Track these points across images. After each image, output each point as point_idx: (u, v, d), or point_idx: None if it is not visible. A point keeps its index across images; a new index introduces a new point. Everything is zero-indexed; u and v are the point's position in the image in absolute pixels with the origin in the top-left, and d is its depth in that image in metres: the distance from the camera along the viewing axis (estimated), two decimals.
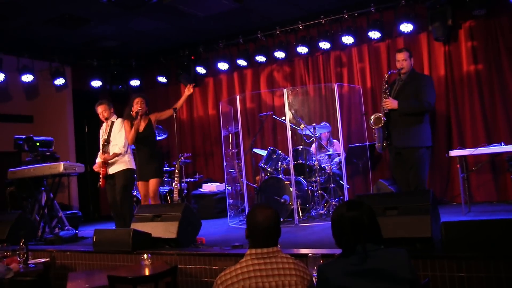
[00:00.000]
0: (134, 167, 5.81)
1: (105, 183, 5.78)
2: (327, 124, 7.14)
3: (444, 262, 3.14)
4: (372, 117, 5.02)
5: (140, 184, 5.73)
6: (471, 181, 6.56)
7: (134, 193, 7.08)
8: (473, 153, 5.67)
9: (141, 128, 5.68)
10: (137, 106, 5.62)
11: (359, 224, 2.16)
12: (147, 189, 5.70)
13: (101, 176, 5.76)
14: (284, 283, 2.16)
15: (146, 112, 5.72)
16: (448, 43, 7.02)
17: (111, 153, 5.72)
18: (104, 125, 5.97)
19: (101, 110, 5.85)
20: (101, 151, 5.84)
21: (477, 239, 3.13)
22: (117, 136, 5.75)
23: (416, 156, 4.82)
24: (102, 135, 5.90)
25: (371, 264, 2.09)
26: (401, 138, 4.88)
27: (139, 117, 5.60)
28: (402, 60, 4.97)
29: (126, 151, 5.77)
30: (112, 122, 5.84)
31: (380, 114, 4.96)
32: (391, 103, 4.90)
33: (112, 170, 5.74)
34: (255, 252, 2.25)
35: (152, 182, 5.63)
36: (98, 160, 5.90)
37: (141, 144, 5.69)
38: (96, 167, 5.87)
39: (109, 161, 5.72)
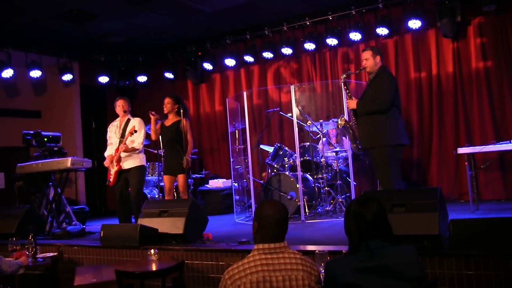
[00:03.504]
0: (146, 164, 5.99)
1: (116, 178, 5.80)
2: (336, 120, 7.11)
3: (452, 259, 3.12)
4: (338, 119, 5.23)
5: (166, 178, 5.90)
6: (479, 178, 6.52)
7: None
8: (481, 150, 5.63)
9: (169, 123, 5.90)
10: (164, 107, 5.92)
11: (361, 220, 2.15)
12: (172, 183, 5.90)
13: (114, 172, 5.75)
14: (291, 278, 2.17)
15: (174, 110, 5.88)
16: (456, 40, 6.97)
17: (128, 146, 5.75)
18: (117, 121, 6.00)
19: (122, 103, 5.93)
20: (114, 145, 5.86)
21: (486, 237, 3.12)
22: (137, 134, 5.79)
23: (381, 155, 4.74)
24: (115, 130, 5.93)
25: (379, 261, 2.08)
26: (365, 138, 4.88)
27: (152, 119, 5.82)
28: (364, 59, 4.97)
29: (141, 150, 5.89)
30: (128, 119, 5.91)
31: (343, 116, 5.15)
32: (350, 103, 4.98)
33: (127, 165, 5.78)
34: (262, 247, 2.27)
35: (181, 177, 5.78)
36: (108, 153, 5.94)
37: (168, 138, 5.87)
38: (106, 163, 5.89)
39: (123, 156, 5.75)
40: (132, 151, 5.77)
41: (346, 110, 6.29)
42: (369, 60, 4.91)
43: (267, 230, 2.29)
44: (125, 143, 5.71)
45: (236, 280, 2.19)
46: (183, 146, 5.76)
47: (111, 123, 6.09)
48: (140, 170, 5.83)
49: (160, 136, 6.00)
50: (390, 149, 4.72)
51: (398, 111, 4.86)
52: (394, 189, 4.67)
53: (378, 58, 4.91)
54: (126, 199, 5.80)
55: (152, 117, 5.85)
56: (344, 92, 6.30)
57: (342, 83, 5.16)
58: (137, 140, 5.81)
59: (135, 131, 5.70)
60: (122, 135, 5.82)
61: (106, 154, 5.99)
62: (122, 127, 5.90)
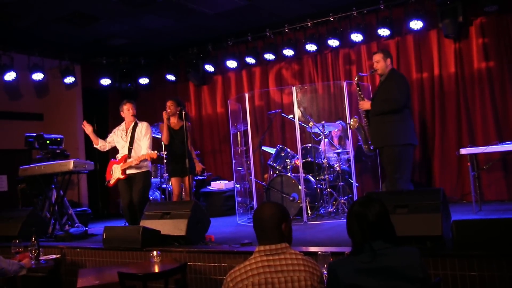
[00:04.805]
0: (151, 170, 6.02)
1: (119, 183, 5.78)
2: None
3: (455, 260, 3.12)
4: (351, 120, 5.24)
5: (174, 180, 6.02)
6: (482, 179, 6.51)
7: None
8: (484, 151, 5.61)
9: (177, 126, 6.07)
10: (167, 109, 6.03)
11: (364, 222, 2.15)
12: (180, 185, 6.02)
13: (117, 178, 5.74)
14: (293, 279, 2.16)
15: (177, 112, 6.04)
16: (458, 40, 6.96)
17: (134, 155, 5.70)
18: (122, 125, 5.95)
19: (131, 107, 5.88)
20: (121, 150, 5.85)
21: (489, 238, 3.11)
22: (143, 139, 5.78)
23: (391, 154, 4.80)
24: (121, 134, 5.88)
25: (382, 262, 2.08)
26: (377, 137, 4.95)
27: (164, 118, 5.95)
28: (375, 61, 5.06)
29: None
30: (136, 124, 5.86)
31: (356, 117, 5.17)
32: (363, 104, 5.05)
33: (133, 171, 5.72)
34: (263, 249, 2.26)
35: (187, 179, 5.87)
36: (102, 142, 5.97)
37: (176, 142, 5.99)
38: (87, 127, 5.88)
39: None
40: (142, 160, 5.65)
41: (349, 112, 6.32)
42: (380, 62, 5.01)
43: (259, 231, 2.32)
44: (138, 160, 5.61)
45: (238, 282, 2.19)
46: (188, 149, 5.84)
47: (117, 128, 6.01)
48: (145, 176, 5.77)
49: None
50: (400, 148, 4.80)
51: (409, 112, 4.99)
52: (397, 190, 4.68)
53: (388, 60, 5.03)
54: (133, 205, 5.77)
55: (164, 116, 5.94)
56: (345, 96, 6.36)
57: (356, 84, 5.24)
58: (144, 146, 5.74)
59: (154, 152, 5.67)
60: (131, 143, 5.76)
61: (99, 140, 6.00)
62: (130, 132, 5.82)
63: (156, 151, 5.68)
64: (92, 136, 5.96)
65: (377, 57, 5.03)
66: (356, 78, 5.26)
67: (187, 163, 5.63)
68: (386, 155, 4.88)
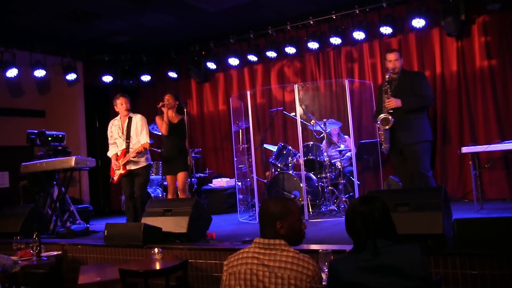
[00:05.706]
0: (151, 162, 6.00)
1: (121, 178, 5.81)
2: (334, 121, 7.12)
3: (456, 259, 3.11)
4: (380, 117, 5.03)
5: (169, 178, 5.95)
6: (484, 178, 6.49)
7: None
8: (485, 149, 5.60)
9: (176, 120, 5.95)
10: (165, 101, 5.88)
11: (370, 220, 2.15)
12: (175, 182, 5.95)
13: (120, 173, 5.77)
14: (276, 275, 2.17)
15: (175, 106, 5.96)
16: (461, 39, 6.94)
17: (133, 149, 5.70)
18: (117, 120, 5.95)
19: (125, 101, 5.85)
20: (119, 146, 5.85)
21: (490, 236, 3.10)
22: (141, 134, 5.79)
23: (418, 149, 4.93)
24: (117, 131, 5.89)
25: (384, 260, 2.08)
26: (406, 135, 4.96)
27: (164, 109, 5.83)
28: (394, 60, 5.06)
29: (147, 151, 5.84)
30: (130, 118, 5.86)
31: (386, 115, 5.00)
32: (394, 102, 4.97)
33: (133, 166, 5.76)
34: (258, 241, 2.30)
35: (180, 176, 5.82)
36: (111, 153, 5.92)
37: (173, 135, 5.89)
38: (115, 164, 5.82)
39: (132, 158, 5.72)
40: (138, 152, 5.66)
41: (351, 110, 6.30)
42: (398, 61, 5.09)
43: (260, 224, 2.36)
44: (135, 152, 5.63)
45: (229, 268, 2.30)
46: (184, 144, 5.78)
47: (112, 123, 6.01)
48: (146, 170, 5.84)
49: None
50: (427, 144, 5.00)
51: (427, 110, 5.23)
52: (398, 189, 4.73)
53: (402, 59, 5.19)
54: (134, 199, 5.81)
55: (164, 109, 5.82)
56: (347, 94, 6.34)
57: (386, 82, 5.11)
58: (142, 141, 5.77)
59: (145, 148, 5.67)
60: (127, 137, 5.79)
61: (109, 154, 5.97)
62: (125, 127, 5.84)
63: (147, 141, 5.67)
64: (120, 162, 5.85)
65: (396, 55, 5.08)
66: (387, 76, 5.12)
67: (189, 160, 5.62)
68: (413, 151, 4.92)
